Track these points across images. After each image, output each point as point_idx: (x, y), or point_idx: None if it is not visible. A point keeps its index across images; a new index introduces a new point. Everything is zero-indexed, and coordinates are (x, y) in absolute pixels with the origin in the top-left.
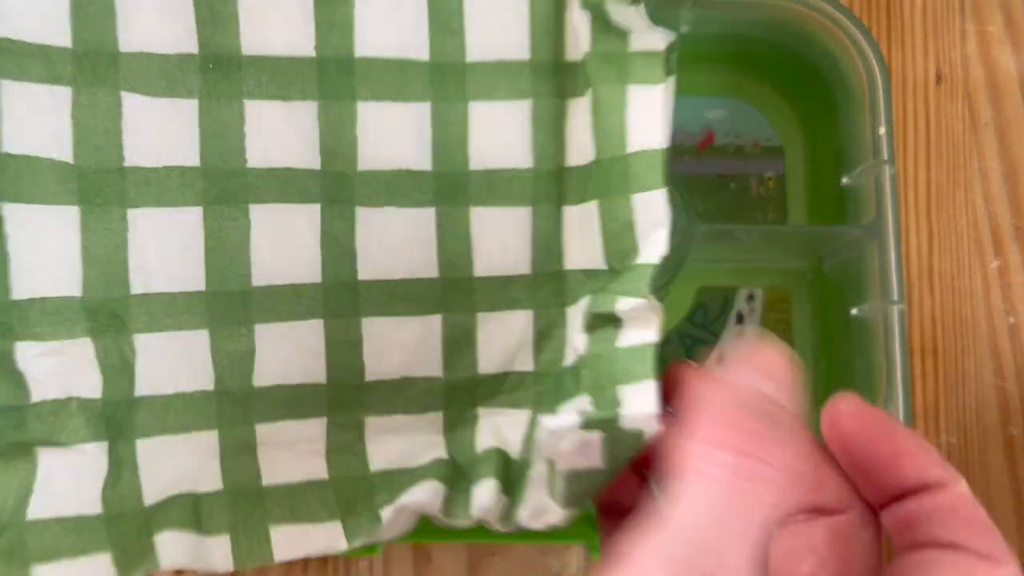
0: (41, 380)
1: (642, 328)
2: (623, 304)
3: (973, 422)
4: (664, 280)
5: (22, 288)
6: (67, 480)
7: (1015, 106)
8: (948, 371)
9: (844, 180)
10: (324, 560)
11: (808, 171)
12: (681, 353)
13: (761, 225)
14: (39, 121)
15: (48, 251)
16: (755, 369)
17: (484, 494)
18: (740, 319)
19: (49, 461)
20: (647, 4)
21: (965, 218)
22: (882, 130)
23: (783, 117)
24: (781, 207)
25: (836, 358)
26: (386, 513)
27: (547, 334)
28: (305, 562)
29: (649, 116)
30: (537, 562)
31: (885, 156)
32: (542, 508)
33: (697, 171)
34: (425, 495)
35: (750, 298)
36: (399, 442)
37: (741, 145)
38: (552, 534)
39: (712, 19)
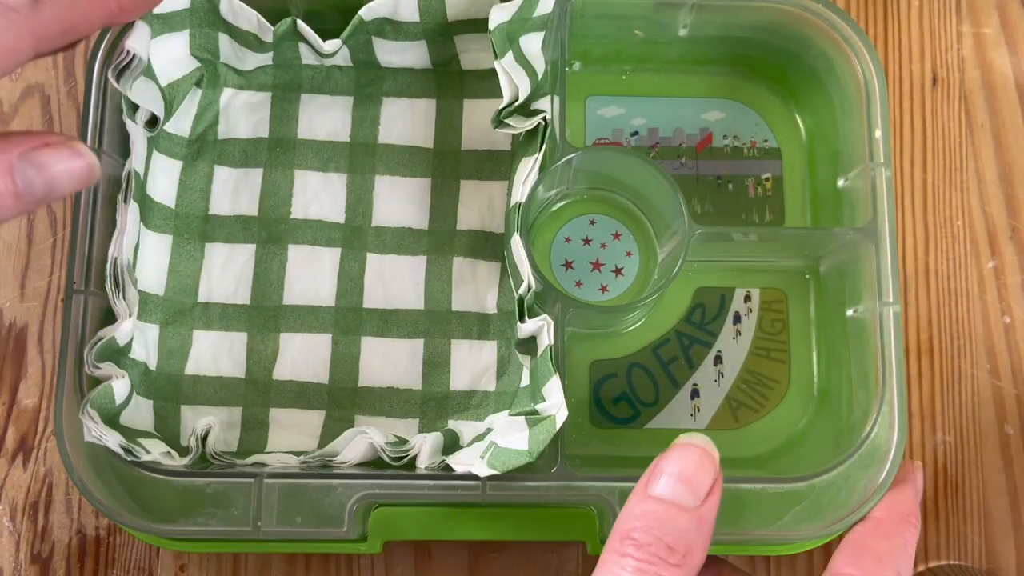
0: (126, 344)
1: (542, 338)
2: (529, 326)
3: (969, 421)
4: (663, 282)
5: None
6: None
7: (1011, 108)
8: (944, 371)
9: (840, 182)
10: (326, 557)
11: (806, 172)
12: (679, 352)
13: (758, 227)
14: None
15: (150, 260)
16: (677, 480)
17: (425, 459)
18: (737, 319)
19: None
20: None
21: (961, 219)
22: (878, 133)
23: (780, 119)
24: (779, 208)
25: (833, 358)
26: (346, 432)
27: (507, 360)
28: (307, 560)
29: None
30: (537, 560)
31: (881, 159)
32: (469, 463)
33: (695, 172)
34: (381, 436)
35: (747, 298)
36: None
37: (739, 146)
38: (552, 532)
39: (710, 22)
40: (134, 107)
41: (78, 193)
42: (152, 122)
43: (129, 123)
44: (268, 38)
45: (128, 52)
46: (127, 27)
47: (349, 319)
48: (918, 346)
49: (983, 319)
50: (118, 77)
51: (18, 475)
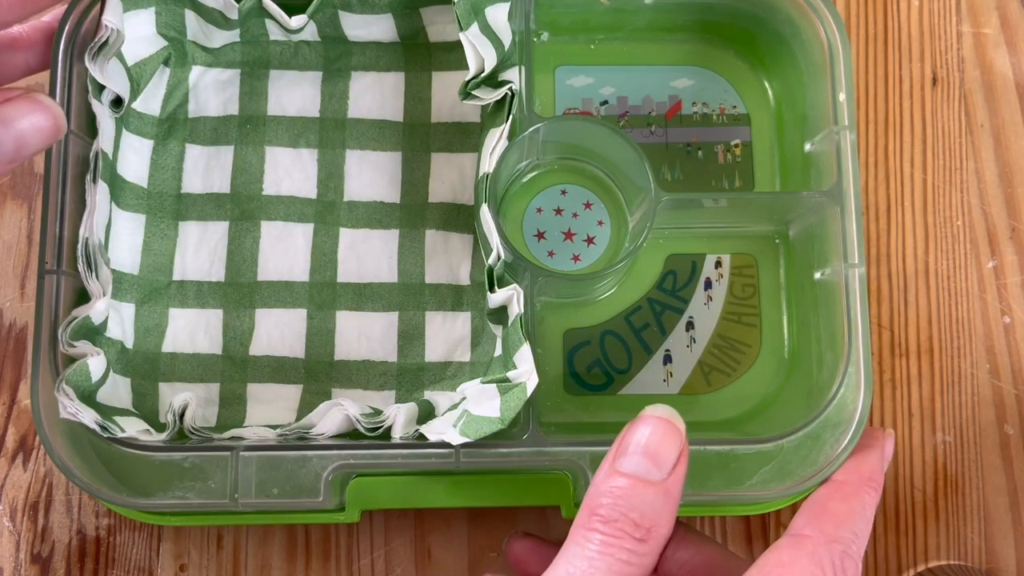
0: (101, 323)
1: (512, 307)
2: (499, 296)
3: (969, 421)
4: (631, 249)
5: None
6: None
7: (1011, 108)
8: (944, 371)
9: (807, 146)
10: (327, 556)
11: (774, 137)
12: (651, 319)
13: (727, 193)
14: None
15: (124, 240)
16: (643, 455)
17: (399, 429)
18: (708, 285)
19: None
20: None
21: (961, 219)
22: (842, 96)
23: (749, 85)
24: (748, 174)
25: (803, 321)
26: (321, 404)
27: (481, 330)
28: (307, 559)
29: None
30: None
31: (846, 122)
32: (442, 431)
33: (665, 140)
34: (356, 408)
35: (718, 264)
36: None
37: (708, 113)
38: (526, 497)
39: None
40: (100, 87)
41: (47, 174)
42: (117, 102)
43: (95, 103)
44: (234, 15)
45: (106, 27)
46: (90, 7)
47: (324, 294)
48: (918, 346)
49: (983, 319)
50: (95, 55)
51: (18, 475)
